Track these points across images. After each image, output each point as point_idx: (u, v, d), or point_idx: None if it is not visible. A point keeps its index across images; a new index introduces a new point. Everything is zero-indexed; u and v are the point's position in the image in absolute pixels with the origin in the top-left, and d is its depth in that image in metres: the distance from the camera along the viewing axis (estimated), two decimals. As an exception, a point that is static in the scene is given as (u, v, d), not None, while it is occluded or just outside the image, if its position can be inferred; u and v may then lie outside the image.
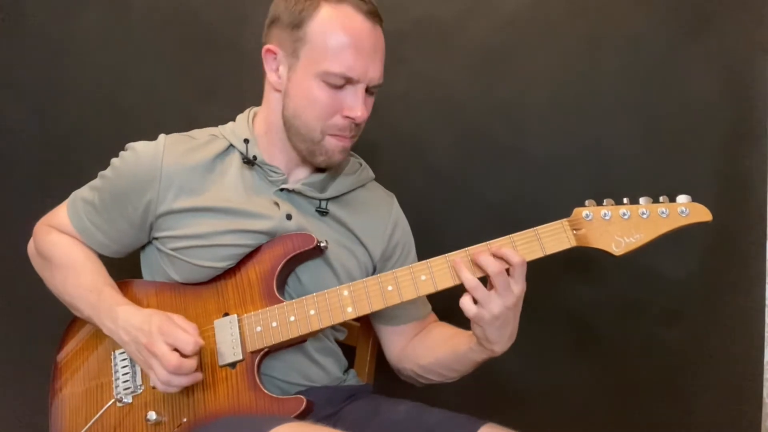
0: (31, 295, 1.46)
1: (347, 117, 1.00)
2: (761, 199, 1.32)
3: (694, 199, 1.31)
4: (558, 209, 1.36)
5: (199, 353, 0.97)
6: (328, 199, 1.09)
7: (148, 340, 0.93)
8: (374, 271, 1.14)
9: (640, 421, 1.38)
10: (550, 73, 1.37)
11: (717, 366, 1.35)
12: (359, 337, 1.27)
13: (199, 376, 0.95)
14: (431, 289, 0.96)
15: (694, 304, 1.35)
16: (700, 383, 1.36)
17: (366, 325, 1.24)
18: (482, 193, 1.40)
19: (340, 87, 0.99)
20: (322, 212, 1.08)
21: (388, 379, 1.23)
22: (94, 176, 1.13)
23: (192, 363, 0.93)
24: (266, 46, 1.03)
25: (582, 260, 1.37)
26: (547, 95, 1.37)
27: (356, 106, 0.99)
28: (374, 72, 1.00)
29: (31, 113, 1.49)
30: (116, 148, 1.09)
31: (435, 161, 1.41)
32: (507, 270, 0.92)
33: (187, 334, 0.93)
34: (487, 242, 0.96)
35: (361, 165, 1.17)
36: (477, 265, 0.93)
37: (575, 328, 1.39)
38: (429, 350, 1.10)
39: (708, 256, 1.34)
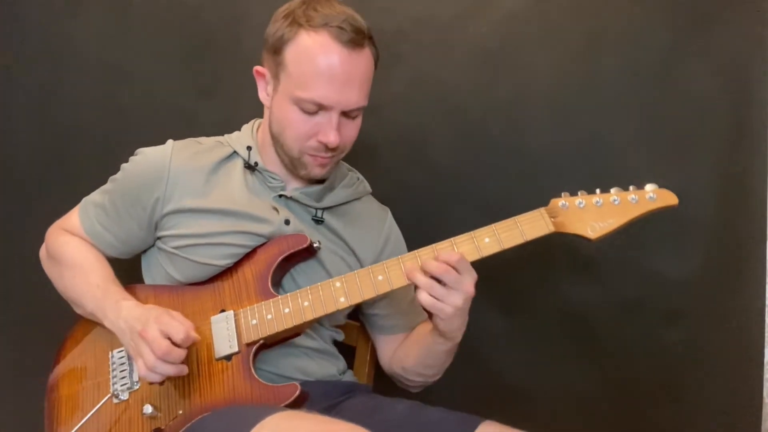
0: (30, 295, 1.47)
1: (320, 141, 1.03)
2: (761, 199, 1.32)
3: (694, 200, 1.32)
4: (558, 209, 1.37)
5: (194, 348, 1.00)
6: (324, 209, 1.13)
7: (142, 327, 0.95)
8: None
9: (640, 421, 1.38)
10: (550, 72, 1.37)
11: (717, 366, 1.35)
12: (359, 338, 1.27)
13: (184, 368, 0.96)
14: None
15: (694, 304, 1.35)
16: (700, 383, 1.36)
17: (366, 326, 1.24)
18: (482, 192, 1.40)
19: (314, 112, 1.02)
20: (318, 220, 1.12)
21: (387, 381, 1.23)
22: (94, 176, 1.15)
23: (180, 352, 0.94)
24: (255, 68, 1.08)
25: (582, 260, 1.37)
26: (546, 94, 1.37)
27: (329, 132, 1.02)
28: (348, 99, 1.01)
29: (31, 113, 1.49)
30: (116, 148, 1.10)
31: (435, 160, 1.41)
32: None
33: (180, 324, 0.96)
34: (433, 245, 1.00)
35: (358, 179, 1.21)
36: (426, 271, 0.95)
37: (575, 328, 1.39)
38: (408, 351, 1.14)
39: (708, 256, 1.34)
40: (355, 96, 1.02)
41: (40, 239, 1.18)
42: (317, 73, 0.99)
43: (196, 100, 1.45)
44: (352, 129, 1.07)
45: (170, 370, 0.94)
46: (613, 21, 1.35)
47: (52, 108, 1.49)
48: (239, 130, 1.17)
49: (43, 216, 1.20)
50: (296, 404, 0.96)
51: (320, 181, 1.13)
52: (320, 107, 1.01)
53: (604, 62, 1.36)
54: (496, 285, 1.35)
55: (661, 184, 1.33)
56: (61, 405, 1.08)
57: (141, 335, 0.95)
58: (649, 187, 1.02)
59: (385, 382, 1.23)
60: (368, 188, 1.23)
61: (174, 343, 0.94)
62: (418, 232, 1.24)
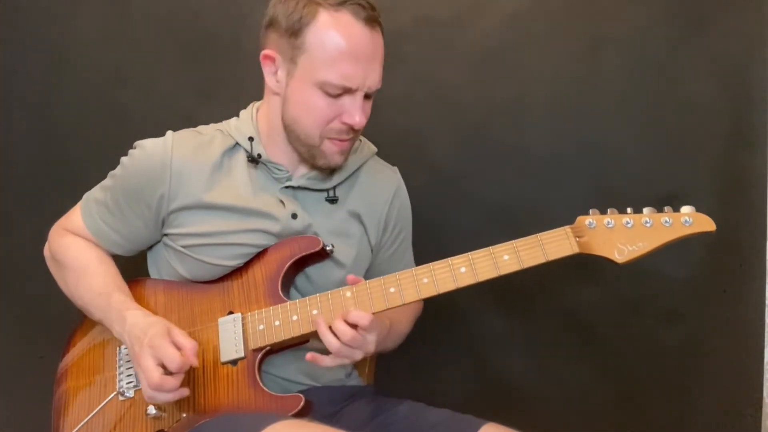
0: (32, 294, 1.47)
1: (345, 123, 1.00)
2: (761, 199, 1.32)
3: (694, 200, 1.32)
4: (558, 209, 1.37)
5: (201, 350, 0.98)
6: (335, 187, 1.10)
7: (139, 351, 0.94)
8: (371, 251, 1.15)
9: (640, 421, 1.38)
10: (550, 73, 1.37)
11: (717, 366, 1.35)
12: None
13: (184, 392, 0.94)
14: (433, 292, 0.97)
15: (694, 304, 1.36)
16: (700, 383, 1.36)
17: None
18: (482, 193, 1.40)
19: (338, 95, 0.98)
20: (332, 200, 1.09)
21: (388, 380, 1.23)
22: (93, 176, 1.13)
23: (173, 382, 0.92)
24: (264, 52, 1.03)
25: (582, 261, 1.36)
26: (547, 95, 1.37)
27: (355, 113, 0.99)
28: (372, 79, 0.99)
29: (31, 113, 1.49)
30: (116, 148, 1.09)
31: (435, 161, 1.41)
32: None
33: (174, 352, 0.92)
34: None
35: (360, 141, 1.17)
36: (333, 332, 0.93)
37: (575, 328, 1.39)
38: None
39: (708, 256, 1.34)
40: (378, 76, 1.00)
41: (40, 239, 1.17)
42: (343, 54, 0.95)
43: (196, 101, 1.45)
44: (369, 110, 1.03)
45: (168, 398, 0.93)
46: (613, 21, 1.35)
47: (52, 108, 1.48)
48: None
49: (43, 216, 1.19)
50: (300, 414, 0.95)
51: None
52: (345, 89, 0.98)
53: (604, 63, 1.36)
54: (497, 286, 1.35)
55: (661, 184, 1.34)
56: (68, 398, 1.07)
57: (136, 361, 0.93)
58: (686, 210, 0.95)
59: (386, 381, 1.23)
60: (373, 148, 1.18)
61: (169, 372, 0.92)
62: (418, 232, 1.24)
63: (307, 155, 1.05)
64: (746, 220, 1.33)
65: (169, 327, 0.97)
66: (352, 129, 1.01)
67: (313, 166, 1.07)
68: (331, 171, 1.08)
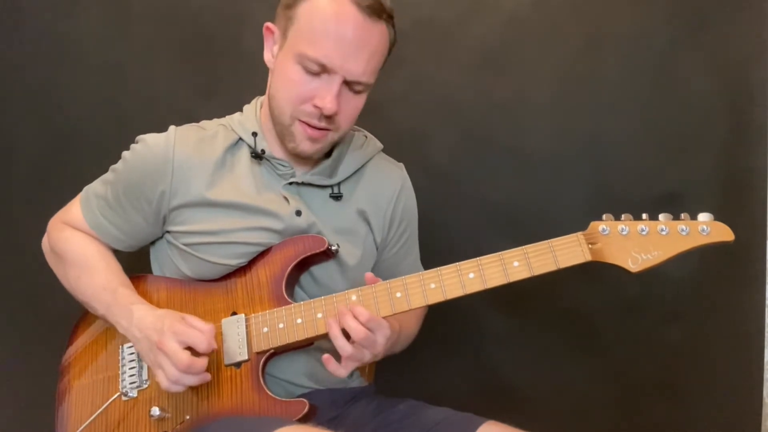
0: (32, 292, 1.47)
1: (316, 106, 0.96)
2: (761, 199, 1.32)
3: (694, 200, 1.32)
4: (558, 208, 1.37)
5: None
6: (339, 183, 1.08)
7: (159, 338, 0.93)
8: (377, 249, 1.14)
9: (640, 421, 1.38)
10: (550, 73, 1.37)
11: (717, 365, 1.35)
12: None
13: (207, 376, 0.94)
14: (440, 298, 0.95)
15: (694, 304, 1.36)
16: (700, 383, 1.36)
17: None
18: (482, 193, 1.40)
19: (316, 74, 0.96)
20: (336, 197, 1.08)
21: (389, 379, 1.23)
22: (94, 176, 1.13)
23: (203, 362, 0.93)
24: (266, 24, 1.02)
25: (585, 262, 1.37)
26: (547, 95, 1.38)
27: (326, 96, 0.95)
28: (355, 66, 0.95)
29: (31, 113, 1.49)
30: (116, 148, 1.09)
31: (435, 161, 1.41)
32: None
33: (200, 333, 0.93)
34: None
35: (366, 137, 1.15)
36: (343, 327, 0.92)
37: (576, 327, 1.39)
38: None
39: (708, 256, 1.33)
40: (362, 66, 0.96)
41: (41, 237, 1.17)
42: (327, 32, 0.93)
43: (195, 101, 1.45)
44: (353, 106, 1.00)
45: (194, 380, 0.93)
46: (613, 21, 1.35)
47: (52, 108, 1.48)
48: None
49: (43, 216, 1.19)
50: (304, 419, 0.94)
51: (327, 155, 1.08)
52: (323, 69, 0.95)
53: (604, 62, 1.36)
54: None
55: (661, 184, 1.34)
56: (70, 395, 1.06)
57: (159, 348, 0.92)
58: (703, 218, 0.90)
59: (387, 381, 1.23)
60: (379, 144, 1.16)
61: (195, 354, 0.92)
62: (419, 233, 1.24)
63: (279, 135, 1.03)
64: (746, 220, 1.33)
65: (182, 314, 0.97)
66: (323, 115, 0.97)
67: (286, 150, 1.05)
68: (324, 157, 1.06)
